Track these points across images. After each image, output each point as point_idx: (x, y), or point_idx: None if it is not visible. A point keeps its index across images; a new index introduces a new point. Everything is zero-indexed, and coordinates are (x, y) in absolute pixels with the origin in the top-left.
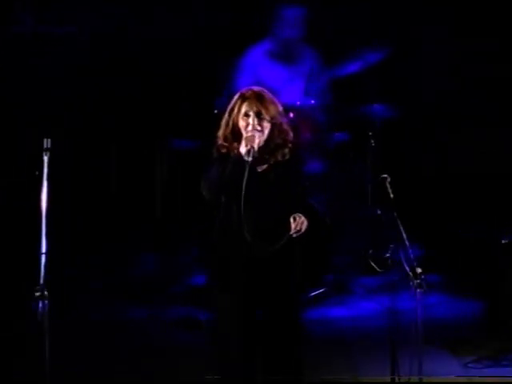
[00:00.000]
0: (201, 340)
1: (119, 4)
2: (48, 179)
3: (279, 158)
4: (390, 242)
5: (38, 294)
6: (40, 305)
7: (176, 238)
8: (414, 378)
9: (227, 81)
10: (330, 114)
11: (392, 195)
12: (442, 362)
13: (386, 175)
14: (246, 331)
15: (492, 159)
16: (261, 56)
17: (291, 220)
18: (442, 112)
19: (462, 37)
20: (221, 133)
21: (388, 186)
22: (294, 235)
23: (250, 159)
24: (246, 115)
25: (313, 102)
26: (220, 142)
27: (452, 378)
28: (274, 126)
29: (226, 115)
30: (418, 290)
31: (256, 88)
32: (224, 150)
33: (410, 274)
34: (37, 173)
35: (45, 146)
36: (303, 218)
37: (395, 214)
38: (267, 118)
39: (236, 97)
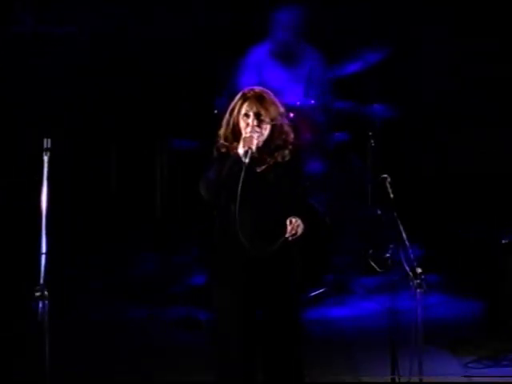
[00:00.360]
0: (201, 340)
1: (119, 4)
2: (48, 179)
3: (279, 159)
4: (389, 242)
5: (38, 293)
6: (40, 305)
7: (176, 238)
8: (414, 378)
9: (228, 81)
10: (330, 114)
11: (392, 195)
12: (442, 361)
13: (386, 175)
14: (246, 331)
15: (492, 159)
16: (264, 55)
17: (287, 223)
18: (442, 112)
19: (461, 37)
20: (221, 132)
21: (388, 185)
22: (290, 238)
23: (247, 161)
24: (246, 115)
25: (313, 102)
26: (220, 141)
27: (452, 378)
28: (274, 127)
29: (227, 115)
30: (418, 290)
31: (257, 88)
32: (224, 150)
33: (410, 273)
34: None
35: (45, 145)
36: (299, 222)
37: (395, 214)
38: (267, 119)
39: (238, 97)
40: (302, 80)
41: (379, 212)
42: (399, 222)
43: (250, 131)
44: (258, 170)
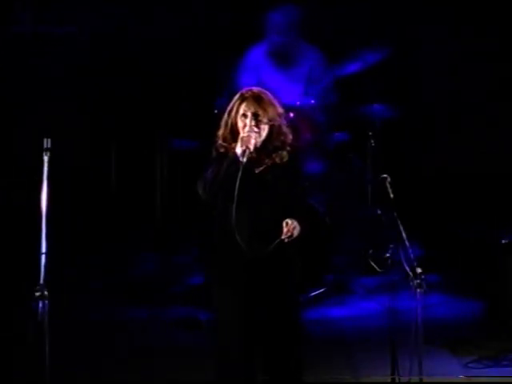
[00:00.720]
0: (201, 340)
1: (119, 4)
2: (48, 179)
3: (277, 160)
4: (390, 242)
5: (38, 293)
6: (40, 305)
7: (176, 238)
8: (414, 378)
9: (228, 81)
10: (330, 114)
11: (392, 195)
12: (442, 361)
13: (386, 175)
14: (246, 331)
15: (492, 159)
16: (261, 57)
17: (283, 224)
18: (442, 112)
19: (461, 37)
20: (220, 132)
21: (388, 185)
22: (286, 240)
23: (245, 160)
24: (244, 116)
25: (313, 101)
26: (219, 141)
27: (452, 378)
28: (272, 127)
29: (226, 115)
30: (418, 290)
31: (256, 89)
32: (222, 150)
33: (410, 273)
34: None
35: (45, 145)
36: (295, 224)
37: (395, 214)
38: (265, 119)
39: (236, 97)
40: (302, 79)
41: (379, 212)
42: (399, 221)
43: (248, 131)
44: (256, 170)
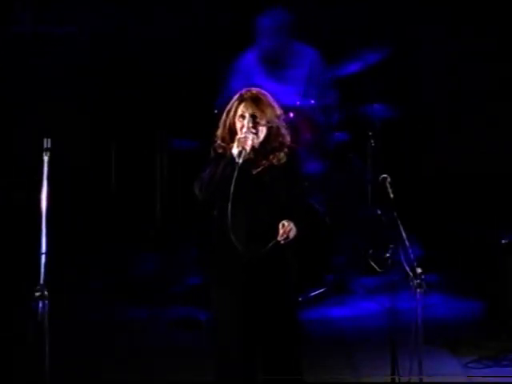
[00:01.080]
0: (201, 340)
1: (119, 4)
2: (48, 179)
3: (274, 161)
4: (390, 242)
5: (38, 293)
6: (40, 305)
7: (176, 238)
8: (414, 378)
9: (225, 82)
10: (330, 114)
11: (392, 195)
12: (442, 361)
13: (386, 175)
14: (246, 331)
15: (492, 159)
16: (252, 61)
17: (280, 226)
18: (442, 112)
19: (461, 37)
20: (219, 133)
21: (388, 185)
22: (282, 242)
23: (241, 161)
24: (242, 117)
25: (313, 102)
26: (218, 142)
27: (452, 378)
28: (270, 129)
29: (224, 115)
30: (418, 290)
31: (255, 90)
32: (221, 150)
33: (410, 273)
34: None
35: (45, 145)
36: (291, 226)
37: (395, 214)
38: (263, 121)
39: (235, 97)
40: (300, 80)
41: (379, 212)
42: (399, 222)
43: (245, 132)
44: (253, 171)
